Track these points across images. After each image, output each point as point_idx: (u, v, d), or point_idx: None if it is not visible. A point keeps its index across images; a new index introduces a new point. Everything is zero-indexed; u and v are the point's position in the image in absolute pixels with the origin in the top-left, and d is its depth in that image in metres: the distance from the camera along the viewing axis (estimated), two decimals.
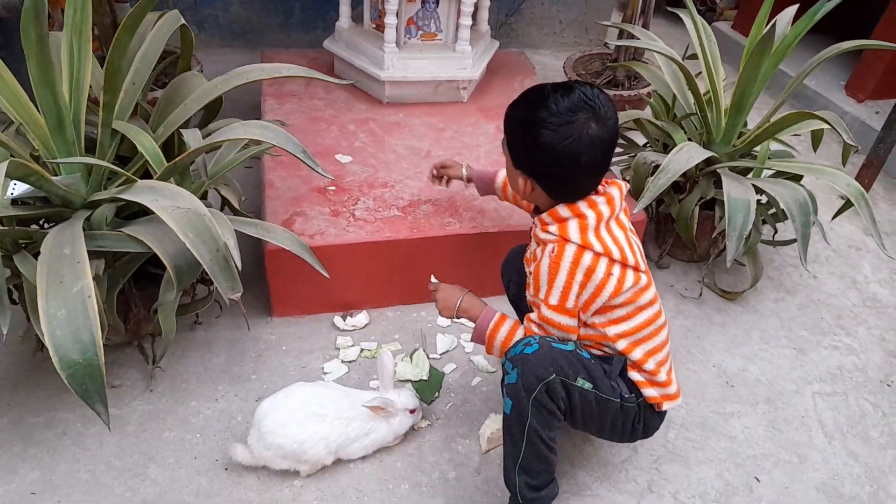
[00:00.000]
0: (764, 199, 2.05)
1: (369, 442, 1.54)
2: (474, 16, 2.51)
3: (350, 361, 1.83)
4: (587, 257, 1.25)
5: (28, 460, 1.51)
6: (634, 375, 1.36)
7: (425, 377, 1.79)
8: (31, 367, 1.71)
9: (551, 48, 3.80)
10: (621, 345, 1.33)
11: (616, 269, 1.27)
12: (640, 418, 1.39)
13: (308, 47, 3.14)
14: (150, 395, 1.68)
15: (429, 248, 1.90)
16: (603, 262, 1.26)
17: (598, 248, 1.25)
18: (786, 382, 1.91)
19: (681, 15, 2.16)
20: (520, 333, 1.37)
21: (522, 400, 1.29)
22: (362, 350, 1.86)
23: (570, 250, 1.25)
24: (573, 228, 1.27)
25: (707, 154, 1.90)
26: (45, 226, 1.57)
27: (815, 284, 2.29)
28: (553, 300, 1.28)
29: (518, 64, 2.92)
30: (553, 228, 1.29)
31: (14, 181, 1.42)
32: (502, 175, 1.72)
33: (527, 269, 1.41)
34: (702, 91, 2.09)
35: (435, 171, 1.91)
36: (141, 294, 1.60)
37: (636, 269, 1.30)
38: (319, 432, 1.46)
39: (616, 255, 1.26)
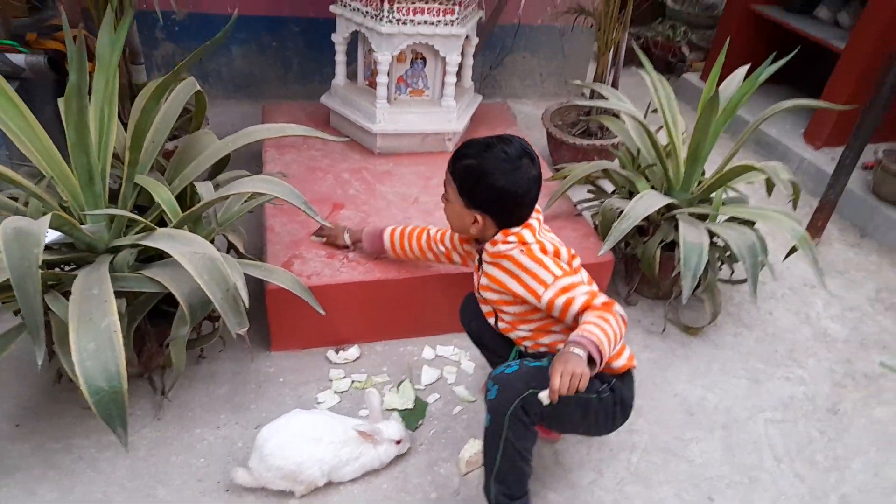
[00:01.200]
0: (720, 241, 2.26)
1: (359, 465, 1.70)
2: (459, 73, 2.75)
3: (342, 392, 1.99)
4: (537, 247, 1.51)
5: (47, 482, 1.66)
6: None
7: (410, 406, 1.96)
8: (51, 397, 1.87)
9: (533, 98, 4.06)
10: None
11: (549, 251, 1.53)
12: (616, 402, 1.54)
13: (305, 98, 3.39)
14: (159, 422, 1.84)
15: (415, 287, 2.08)
16: (548, 248, 1.52)
17: (546, 244, 1.53)
18: (741, 410, 2.09)
19: (641, 74, 2.40)
20: (594, 317, 1.40)
21: (500, 414, 1.44)
22: (353, 382, 2.03)
23: (532, 245, 1.50)
24: (527, 234, 1.52)
25: (666, 201, 2.12)
26: (69, 268, 1.75)
27: (770, 320, 2.48)
28: (557, 271, 1.47)
29: (500, 114, 3.16)
30: (511, 239, 1.50)
31: (48, 230, 1.60)
32: (387, 237, 1.97)
33: (487, 296, 1.60)
34: (664, 142, 2.32)
35: (315, 237, 2.13)
36: (154, 330, 1.77)
37: (567, 251, 1.57)
38: (315, 455, 1.62)
39: (548, 247, 1.53)
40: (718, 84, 2.24)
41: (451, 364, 2.14)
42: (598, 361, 1.33)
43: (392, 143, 2.67)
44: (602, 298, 1.45)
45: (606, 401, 1.53)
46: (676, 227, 2.23)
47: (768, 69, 2.16)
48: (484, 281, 1.59)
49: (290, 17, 3.43)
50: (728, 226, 2.18)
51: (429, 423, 1.93)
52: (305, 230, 2.21)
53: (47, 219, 1.32)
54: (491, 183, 1.46)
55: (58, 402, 1.85)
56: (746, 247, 2.07)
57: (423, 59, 2.63)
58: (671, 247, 2.28)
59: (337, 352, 2.11)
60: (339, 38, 2.66)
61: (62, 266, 1.77)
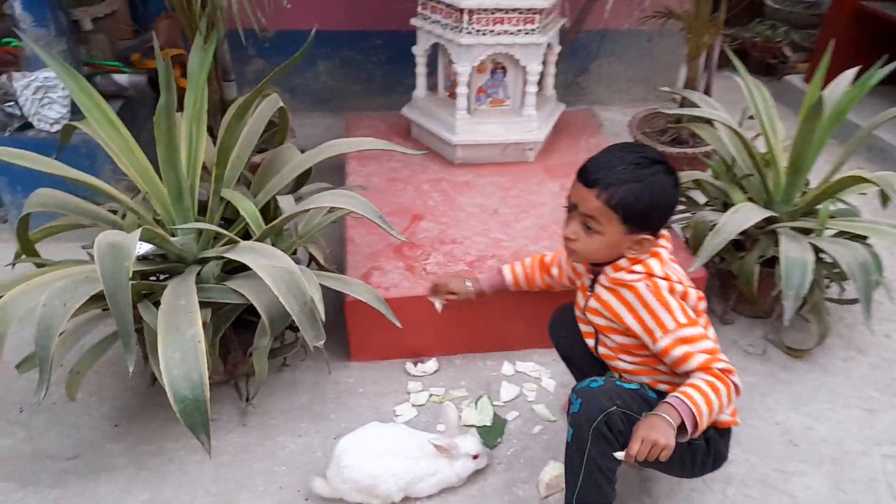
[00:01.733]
0: (828, 258, 2.07)
1: (435, 482, 1.67)
2: (540, 82, 2.69)
3: (420, 405, 1.97)
4: (664, 284, 1.39)
5: (140, 483, 1.73)
6: None
7: (489, 423, 1.91)
8: (145, 400, 1.96)
9: (619, 104, 3.93)
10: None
11: (680, 291, 1.42)
12: (708, 453, 1.46)
13: (388, 109, 3.41)
14: (243, 429, 1.88)
15: (492, 299, 2.03)
16: (678, 288, 1.40)
17: (674, 278, 1.41)
18: (853, 443, 1.90)
19: (736, 79, 2.26)
20: (702, 384, 1.31)
21: (583, 428, 1.37)
22: (431, 395, 2.01)
23: (658, 281, 1.38)
24: (656, 265, 1.40)
25: (765, 214, 1.97)
26: (161, 278, 1.83)
27: (888, 344, 2.26)
28: (682, 318, 1.37)
29: (584, 122, 3.07)
30: (637, 268, 1.40)
31: (141, 242, 1.68)
32: (508, 272, 1.83)
33: (593, 319, 1.51)
34: (762, 150, 2.16)
35: (433, 293, 1.86)
36: (238, 339, 1.82)
37: (696, 293, 1.45)
38: (391, 469, 1.60)
39: (687, 281, 1.43)
40: (824, 87, 2.07)
41: (531, 381, 2.07)
42: (689, 432, 1.27)
43: (472, 153, 2.65)
44: (721, 363, 1.35)
45: (698, 449, 1.44)
46: (777, 242, 2.07)
47: (880, 72, 1.97)
48: (594, 304, 1.49)
49: (372, 31, 3.49)
50: (836, 241, 2.00)
51: (507, 441, 1.88)
52: (385, 242, 2.22)
53: (138, 233, 1.37)
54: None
55: (151, 405, 1.94)
56: (858, 264, 1.89)
57: (504, 68, 2.59)
58: (771, 263, 2.12)
59: (415, 364, 2.10)
60: (420, 51, 2.66)
61: (156, 276, 1.85)
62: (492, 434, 1.89)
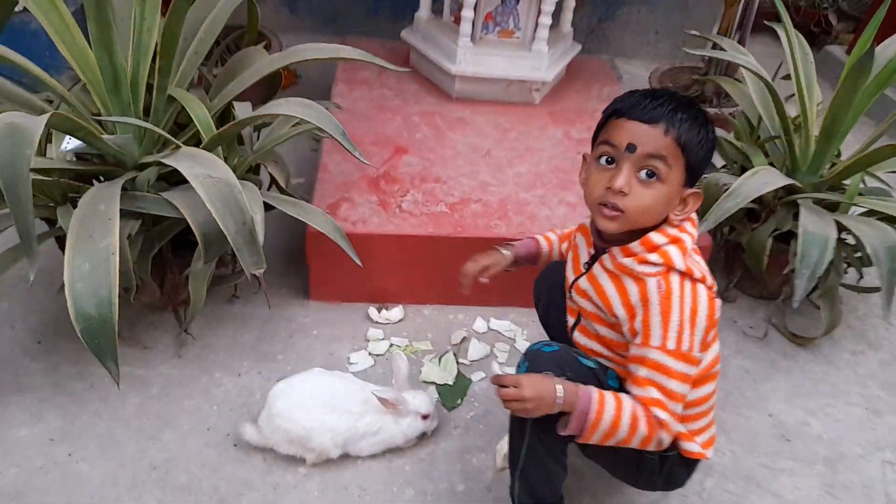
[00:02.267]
0: (851, 239, 1.84)
1: (378, 440, 1.49)
2: (556, 16, 2.42)
3: (378, 355, 1.78)
4: (688, 287, 1.10)
5: (54, 408, 1.55)
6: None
7: (451, 382, 1.73)
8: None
9: (644, 59, 3.63)
10: None
11: (708, 295, 1.13)
12: (660, 471, 1.26)
13: (393, 37, 3.14)
14: (178, 361, 1.70)
15: (472, 247, 1.81)
16: (703, 290, 1.11)
17: (696, 274, 1.11)
18: (852, 445, 1.70)
19: (776, 28, 1.98)
20: (627, 408, 1.09)
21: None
22: (392, 345, 1.82)
23: (675, 281, 1.10)
24: (676, 254, 1.11)
25: (786, 181, 1.73)
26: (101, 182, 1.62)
27: None
28: (671, 344, 1.09)
29: (600, 71, 2.79)
30: (653, 257, 1.11)
31: (68, 136, 1.46)
32: (542, 240, 1.50)
33: (579, 301, 1.25)
34: (792, 115, 1.91)
35: (471, 277, 1.48)
36: (179, 261, 1.62)
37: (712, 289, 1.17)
38: (327, 423, 1.42)
39: (709, 280, 1.13)
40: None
41: (504, 341, 1.87)
42: (571, 429, 1.10)
43: (472, 87, 2.39)
44: (666, 413, 1.09)
45: (646, 463, 1.23)
46: (796, 216, 1.84)
47: None
48: (584, 284, 1.23)
49: None
50: (864, 220, 1.77)
51: (468, 404, 1.69)
52: (360, 172, 2.00)
53: (45, 117, 1.15)
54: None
55: None
56: (885, 248, 1.65)
57: None
58: (786, 238, 1.89)
59: (379, 310, 1.90)
60: None
61: (96, 179, 1.64)
62: (452, 394, 1.70)
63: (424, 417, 1.51)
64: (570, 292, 1.29)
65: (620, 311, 1.15)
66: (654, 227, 1.14)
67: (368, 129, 2.19)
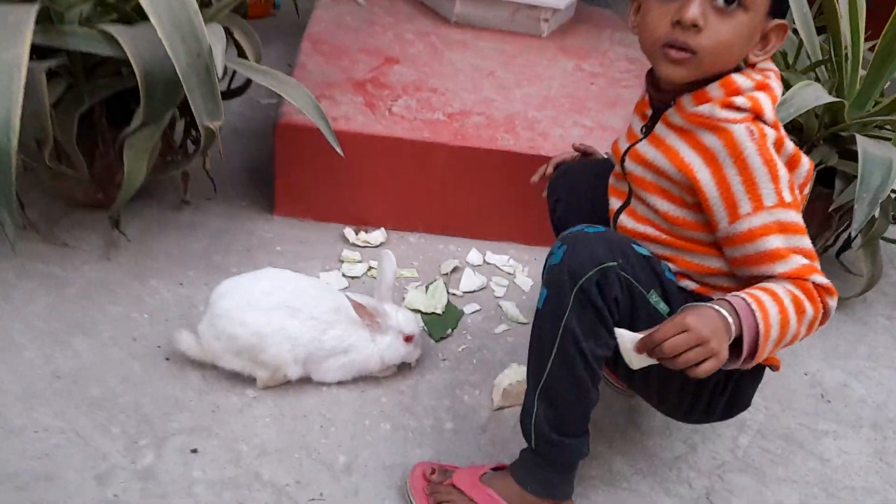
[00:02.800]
0: None
1: (347, 360, 1.19)
2: None
3: (353, 277, 1.49)
4: (773, 135, 0.88)
5: None
6: None
7: (439, 311, 1.44)
8: None
9: None
10: None
11: (791, 147, 0.91)
12: (723, 391, 0.99)
13: None
14: (107, 263, 1.38)
15: (473, 161, 1.55)
16: (790, 143, 0.91)
17: (782, 130, 0.91)
18: None
19: None
20: (783, 294, 0.84)
21: (564, 287, 0.88)
22: (370, 268, 1.53)
23: (769, 130, 0.88)
24: (765, 101, 0.88)
25: (834, 100, 1.50)
26: None
27: None
28: (787, 195, 0.87)
29: (609, 19, 2.57)
30: (740, 101, 0.87)
31: None
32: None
33: (635, 172, 0.99)
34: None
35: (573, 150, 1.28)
36: (115, 135, 1.31)
37: (809, 162, 0.95)
38: (287, 329, 1.12)
39: (790, 147, 0.91)
40: None
41: (502, 276, 1.60)
42: (742, 357, 0.83)
43: (474, 11, 2.14)
44: (820, 276, 0.86)
45: (710, 384, 0.97)
46: (841, 154, 1.62)
47: None
48: (644, 148, 0.97)
49: None
50: None
51: (459, 336, 1.41)
52: (345, 75, 1.71)
53: None
54: None
55: None
56: None
57: None
58: (827, 179, 1.66)
59: (357, 232, 1.61)
60: None
61: None
62: (441, 325, 1.41)
63: (407, 340, 1.22)
64: (621, 165, 1.02)
65: (704, 175, 0.89)
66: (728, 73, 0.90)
67: (354, 39, 1.92)
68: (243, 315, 1.11)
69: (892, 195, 1.65)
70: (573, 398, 0.94)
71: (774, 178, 0.86)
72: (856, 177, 1.41)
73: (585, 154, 1.26)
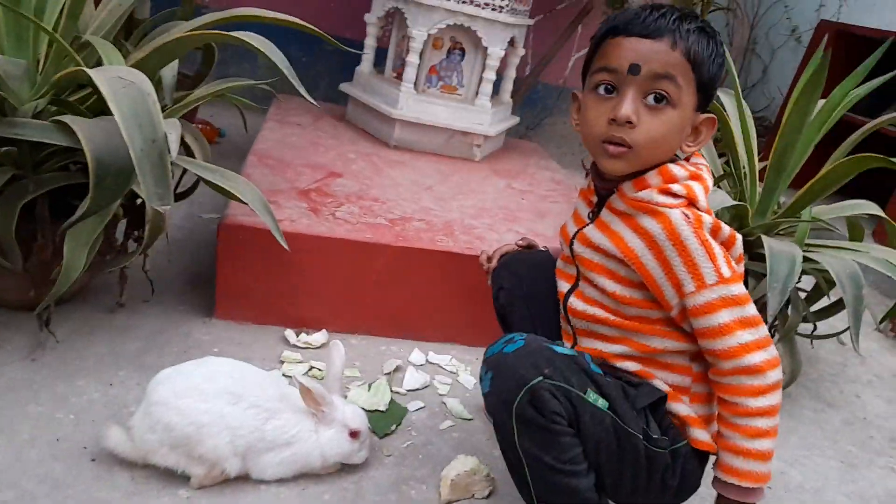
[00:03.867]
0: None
1: (289, 455, 1.13)
2: (497, 85, 2.44)
3: (293, 377, 1.46)
4: (713, 222, 0.97)
5: None
6: (680, 408, 1.01)
7: (382, 409, 1.41)
8: None
9: (569, 168, 3.74)
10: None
11: (726, 231, 0.99)
12: (673, 470, 1.01)
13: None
14: (31, 364, 1.31)
15: (413, 262, 1.61)
16: (725, 228, 0.99)
17: (713, 216, 0.98)
18: (837, 495, 1.50)
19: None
20: (764, 417, 0.94)
21: (503, 414, 0.94)
22: (311, 368, 1.50)
23: (703, 216, 0.95)
24: (699, 190, 0.97)
25: (738, 203, 1.68)
26: None
27: (859, 403, 1.92)
28: (726, 270, 0.93)
29: (536, 150, 2.81)
30: (677, 188, 0.95)
31: None
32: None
33: (583, 255, 1.04)
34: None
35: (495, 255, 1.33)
36: (55, 228, 1.30)
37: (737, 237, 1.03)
38: (227, 417, 1.08)
39: (725, 230, 0.98)
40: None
41: (445, 374, 1.60)
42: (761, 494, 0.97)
43: (412, 136, 2.31)
44: (762, 351, 0.93)
45: (656, 459, 0.99)
46: (750, 255, 1.78)
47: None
48: (591, 233, 1.03)
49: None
50: (821, 250, 1.72)
51: (404, 433, 1.38)
52: (290, 184, 1.79)
53: None
54: (721, 56, 0.98)
55: None
56: (848, 275, 1.58)
57: (462, 50, 2.33)
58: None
59: (297, 334, 1.60)
60: (373, 18, 2.39)
61: None
62: (385, 421, 1.38)
63: (353, 435, 1.18)
64: (570, 248, 1.08)
65: (648, 259, 0.96)
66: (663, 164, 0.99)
67: (300, 157, 2.02)
68: (180, 402, 1.06)
69: (801, 293, 1.81)
70: (567, 500, 0.96)
71: (712, 257, 0.93)
72: (765, 275, 1.55)
73: (527, 247, 1.34)
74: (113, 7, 1.42)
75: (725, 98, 2.01)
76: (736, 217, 1.82)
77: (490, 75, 2.29)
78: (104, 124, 1.10)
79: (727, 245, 0.99)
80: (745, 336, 0.92)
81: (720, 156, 2.09)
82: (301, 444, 1.14)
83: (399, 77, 2.37)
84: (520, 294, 1.25)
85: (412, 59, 2.21)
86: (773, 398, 0.93)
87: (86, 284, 1.53)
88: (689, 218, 0.93)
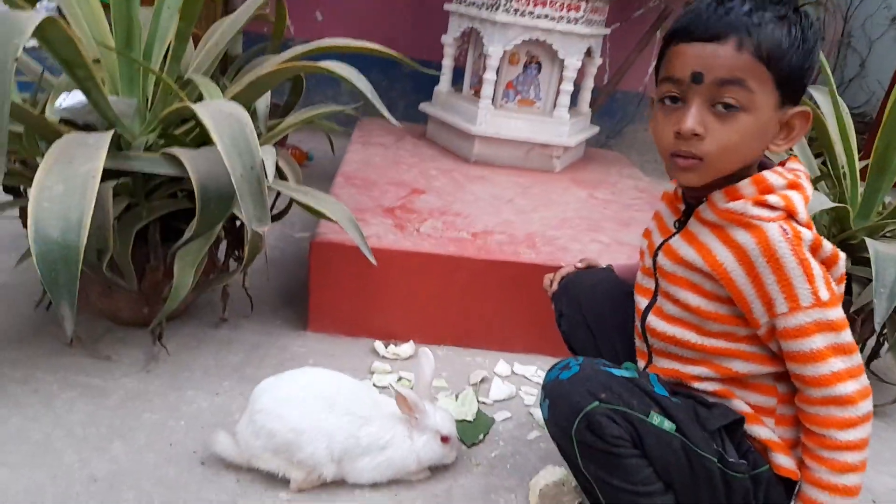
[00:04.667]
0: None
1: (384, 460, 1.18)
2: (574, 97, 2.44)
3: (383, 388, 1.51)
4: (813, 238, 0.89)
5: None
6: (761, 432, 0.96)
7: (470, 419, 1.44)
8: (30, 326, 1.52)
9: (652, 176, 3.66)
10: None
11: (829, 248, 0.92)
12: (755, 497, 0.96)
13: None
14: (146, 375, 1.42)
15: (496, 274, 1.62)
16: (827, 245, 0.91)
17: (812, 234, 0.90)
18: None
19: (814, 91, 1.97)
20: (853, 450, 0.89)
21: (564, 440, 0.95)
22: (400, 378, 1.54)
23: (802, 232, 0.88)
24: (799, 201, 0.90)
25: (838, 205, 1.59)
26: None
27: None
28: (824, 293, 0.87)
29: (618, 159, 2.78)
30: (773, 199, 0.89)
31: (66, 93, 1.34)
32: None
33: (666, 268, 1.00)
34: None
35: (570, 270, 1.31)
36: (164, 251, 1.41)
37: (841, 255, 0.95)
38: (324, 425, 1.13)
39: (827, 247, 0.91)
40: None
41: (530, 385, 1.60)
42: None
43: (491, 150, 2.34)
44: (855, 381, 0.88)
45: (735, 485, 0.95)
46: (853, 260, 1.68)
47: None
48: (678, 244, 0.98)
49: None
50: None
51: (492, 443, 1.39)
52: (375, 203, 1.85)
53: (41, 16, 1.03)
54: (815, 54, 0.89)
55: (36, 333, 1.50)
56: None
57: (538, 64, 2.34)
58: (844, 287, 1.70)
59: (386, 345, 1.65)
60: (450, 39, 2.45)
61: None
62: (472, 431, 1.40)
63: (444, 440, 1.22)
64: (652, 260, 1.04)
65: (738, 275, 0.90)
66: (751, 168, 0.93)
67: (383, 175, 2.09)
68: (281, 410, 1.13)
69: None
70: None
71: (809, 278, 0.86)
72: (870, 280, 1.46)
73: (588, 268, 1.31)
74: (210, 47, 1.53)
75: (819, 95, 1.92)
76: (836, 220, 1.73)
77: (567, 87, 2.29)
78: (207, 154, 1.19)
79: (828, 264, 0.91)
80: (837, 364, 0.87)
81: (816, 156, 1.99)
82: (395, 448, 1.18)
83: (477, 94, 2.42)
84: (579, 318, 1.24)
85: (489, 76, 2.25)
86: (863, 431, 0.88)
87: (192, 302, 1.65)
88: (787, 233, 0.87)
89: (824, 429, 0.89)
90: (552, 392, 0.95)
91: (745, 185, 0.91)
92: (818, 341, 0.87)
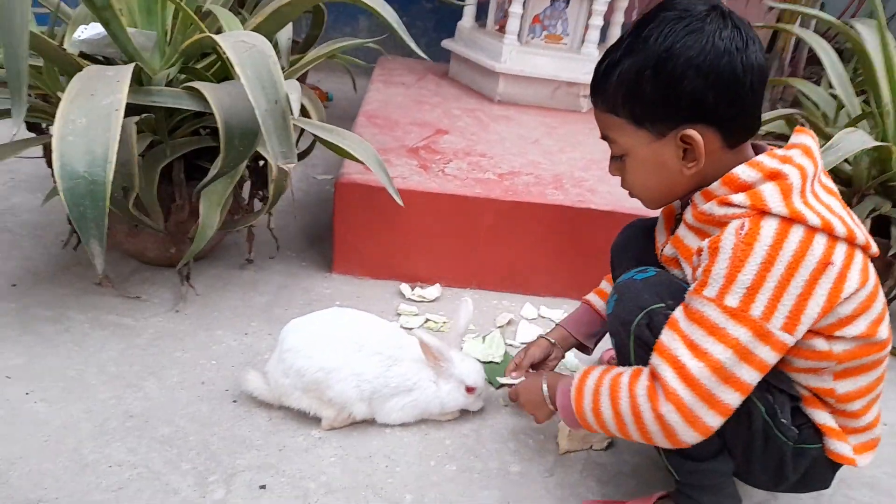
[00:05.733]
0: None
1: (410, 402, 1.18)
2: (604, 32, 2.34)
3: (411, 329, 1.50)
4: (796, 236, 0.82)
5: (17, 346, 1.27)
6: (820, 416, 0.96)
7: (497, 360, 1.43)
8: (60, 266, 1.53)
9: None
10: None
11: (841, 253, 0.84)
12: (794, 466, 0.98)
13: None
14: (175, 315, 1.43)
15: (523, 216, 1.59)
16: (820, 243, 0.82)
17: (813, 220, 0.82)
18: None
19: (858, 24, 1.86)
20: (606, 380, 0.93)
21: (620, 334, 0.97)
22: (427, 320, 1.54)
23: (770, 227, 0.82)
24: (771, 194, 0.84)
25: (881, 144, 1.53)
26: None
27: None
28: (731, 300, 0.83)
29: None
30: (739, 199, 0.86)
31: (84, 25, 1.30)
32: (594, 297, 1.28)
33: (673, 273, 1.00)
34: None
35: (519, 366, 1.24)
36: (189, 190, 1.39)
37: (867, 250, 0.88)
38: (352, 364, 1.13)
39: (840, 229, 0.83)
40: None
41: None
42: (570, 426, 1.03)
43: (516, 89, 2.27)
44: (689, 396, 0.84)
45: (777, 439, 0.94)
46: (894, 201, 1.63)
47: None
48: (669, 251, 1.00)
49: None
50: None
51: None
52: (399, 143, 1.81)
53: None
54: (703, 61, 0.84)
55: (66, 272, 1.51)
56: None
57: None
58: (882, 229, 1.65)
59: (412, 288, 1.64)
60: None
61: None
62: (499, 372, 1.40)
63: (469, 391, 1.21)
64: (662, 265, 1.05)
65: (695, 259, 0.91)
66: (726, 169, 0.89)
67: (406, 115, 2.04)
68: (310, 349, 1.12)
69: None
70: None
71: (731, 277, 0.83)
72: None
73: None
74: None
75: (865, 30, 1.82)
76: (877, 161, 1.66)
77: (597, 21, 2.20)
78: (230, 88, 1.16)
79: (795, 261, 0.82)
80: (681, 351, 0.85)
81: (859, 94, 1.90)
82: (421, 391, 1.18)
83: (502, 29, 2.33)
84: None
85: (515, 9, 2.16)
86: (638, 421, 0.89)
87: (218, 242, 1.64)
88: (741, 229, 0.83)
89: (640, 395, 0.88)
90: (623, 288, 0.97)
91: (717, 187, 0.90)
92: (682, 330, 0.86)
